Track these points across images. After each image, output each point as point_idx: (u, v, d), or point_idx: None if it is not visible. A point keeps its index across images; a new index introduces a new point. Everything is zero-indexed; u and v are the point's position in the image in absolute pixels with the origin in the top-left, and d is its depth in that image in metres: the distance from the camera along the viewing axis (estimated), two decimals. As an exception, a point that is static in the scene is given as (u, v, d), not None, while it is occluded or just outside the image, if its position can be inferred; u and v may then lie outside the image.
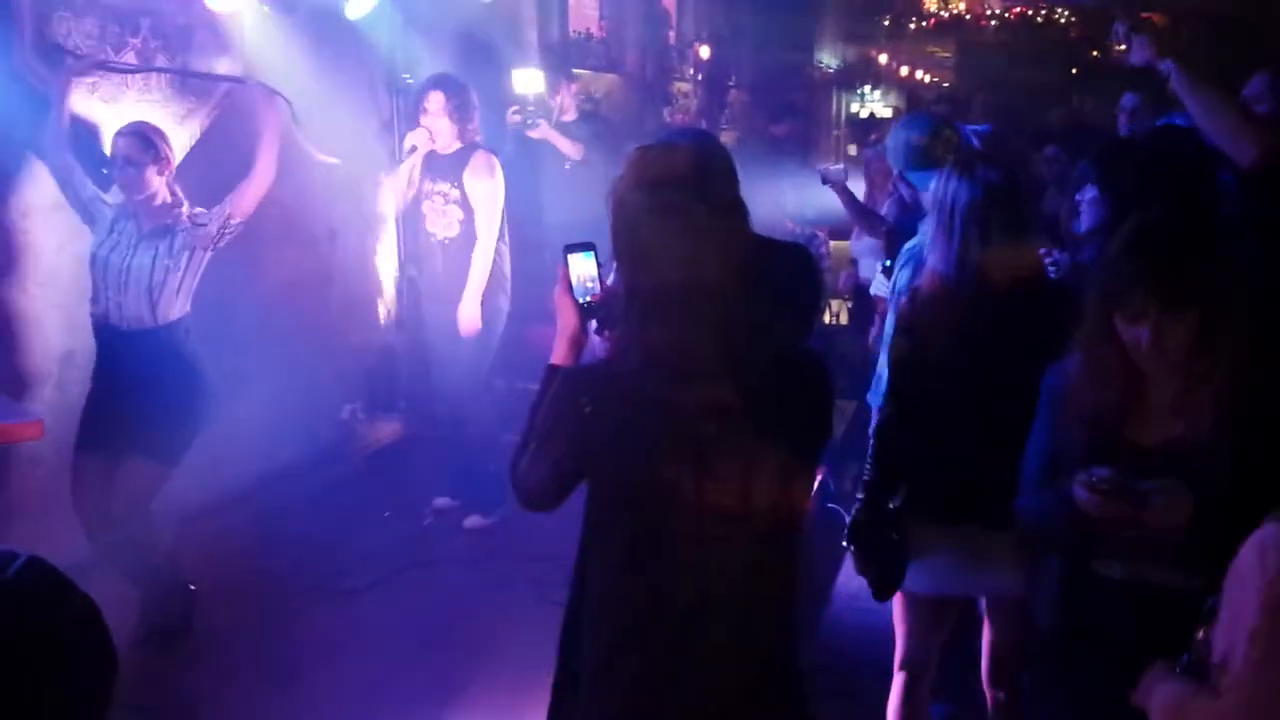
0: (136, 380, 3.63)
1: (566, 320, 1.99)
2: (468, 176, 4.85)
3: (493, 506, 4.92)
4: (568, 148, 6.20)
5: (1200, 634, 1.79)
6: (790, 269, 2.87)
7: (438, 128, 4.85)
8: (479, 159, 4.88)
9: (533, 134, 6.10)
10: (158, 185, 3.71)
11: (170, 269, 3.68)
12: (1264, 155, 2.80)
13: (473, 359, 4.99)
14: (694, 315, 1.74)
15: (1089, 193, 3.16)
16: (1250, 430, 2.02)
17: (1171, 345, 2.04)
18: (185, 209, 3.77)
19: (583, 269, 1.99)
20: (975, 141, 4.08)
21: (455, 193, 4.87)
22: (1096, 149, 3.43)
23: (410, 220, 5.32)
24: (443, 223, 4.91)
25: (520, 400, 1.99)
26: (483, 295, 4.87)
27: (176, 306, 3.73)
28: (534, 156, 6.28)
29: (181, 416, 3.69)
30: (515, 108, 6.15)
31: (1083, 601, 2.22)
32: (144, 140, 3.70)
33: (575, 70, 8.52)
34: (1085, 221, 3.19)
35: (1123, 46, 3.05)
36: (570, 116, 6.43)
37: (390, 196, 5.29)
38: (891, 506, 2.76)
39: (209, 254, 3.79)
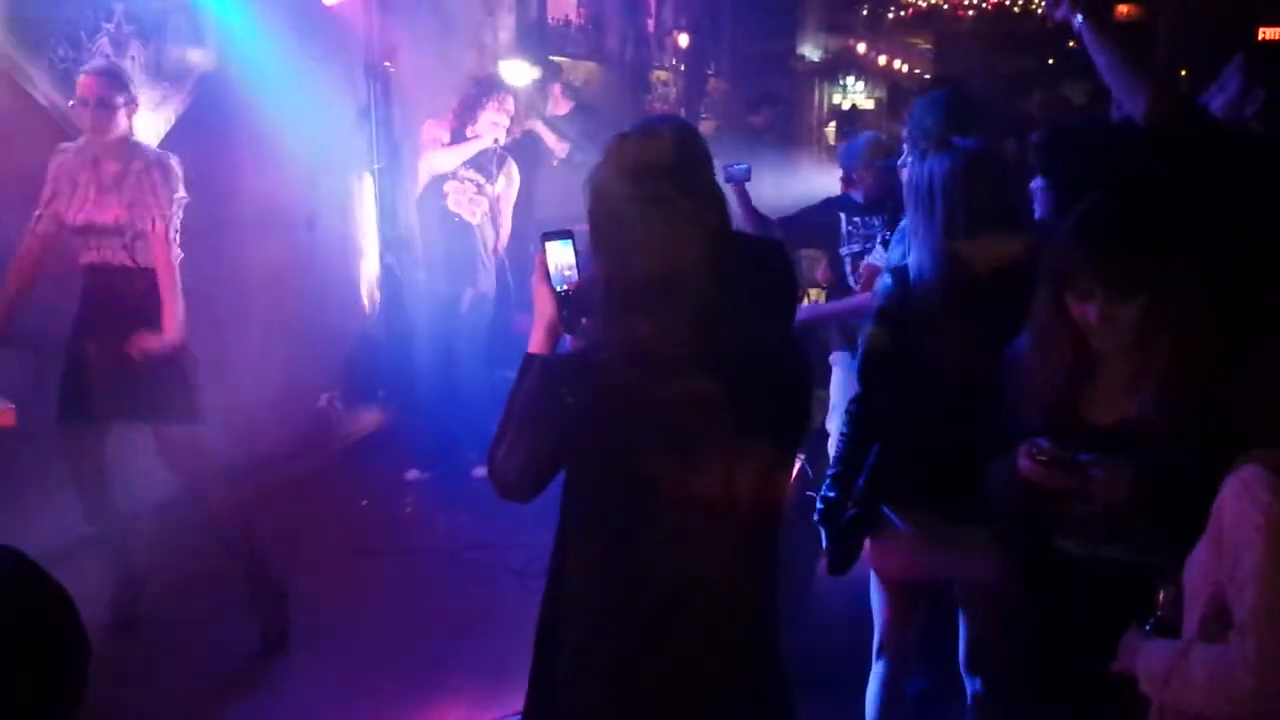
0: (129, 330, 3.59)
1: (543, 308, 1.98)
2: (502, 177, 5.37)
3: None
4: (554, 143, 6.22)
5: (1162, 596, 1.81)
6: (765, 261, 2.86)
7: (502, 124, 5.25)
8: (509, 163, 5.43)
9: (524, 127, 6.09)
10: (126, 127, 3.63)
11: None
12: (1152, 110, 2.86)
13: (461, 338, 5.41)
14: (672, 305, 1.73)
15: (1038, 181, 3.20)
16: (1198, 412, 2.00)
17: (1120, 326, 2.05)
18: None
19: (560, 257, 1.98)
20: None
21: (489, 186, 5.31)
22: (1039, 139, 3.48)
23: (430, 198, 5.42)
24: (470, 208, 5.27)
25: (502, 388, 1.97)
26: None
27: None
28: (530, 151, 6.26)
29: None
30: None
31: (1045, 579, 2.24)
32: (118, 80, 3.62)
33: (554, 57, 8.50)
34: (1038, 210, 3.21)
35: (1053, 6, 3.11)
36: (562, 110, 6.43)
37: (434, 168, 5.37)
38: (856, 485, 2.78)
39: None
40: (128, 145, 3.62)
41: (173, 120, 4.66)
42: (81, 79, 3.60)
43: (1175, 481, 1.98)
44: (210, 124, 4.70)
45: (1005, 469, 2.18)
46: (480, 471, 4.94)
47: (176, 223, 3.63)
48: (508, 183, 5.46)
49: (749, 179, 4.88)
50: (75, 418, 3.68)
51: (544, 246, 1.98)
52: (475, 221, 5.33)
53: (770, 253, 2.74)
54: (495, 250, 5.49)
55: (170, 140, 4.50)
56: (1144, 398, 2.06)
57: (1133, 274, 2.03)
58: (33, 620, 1.06)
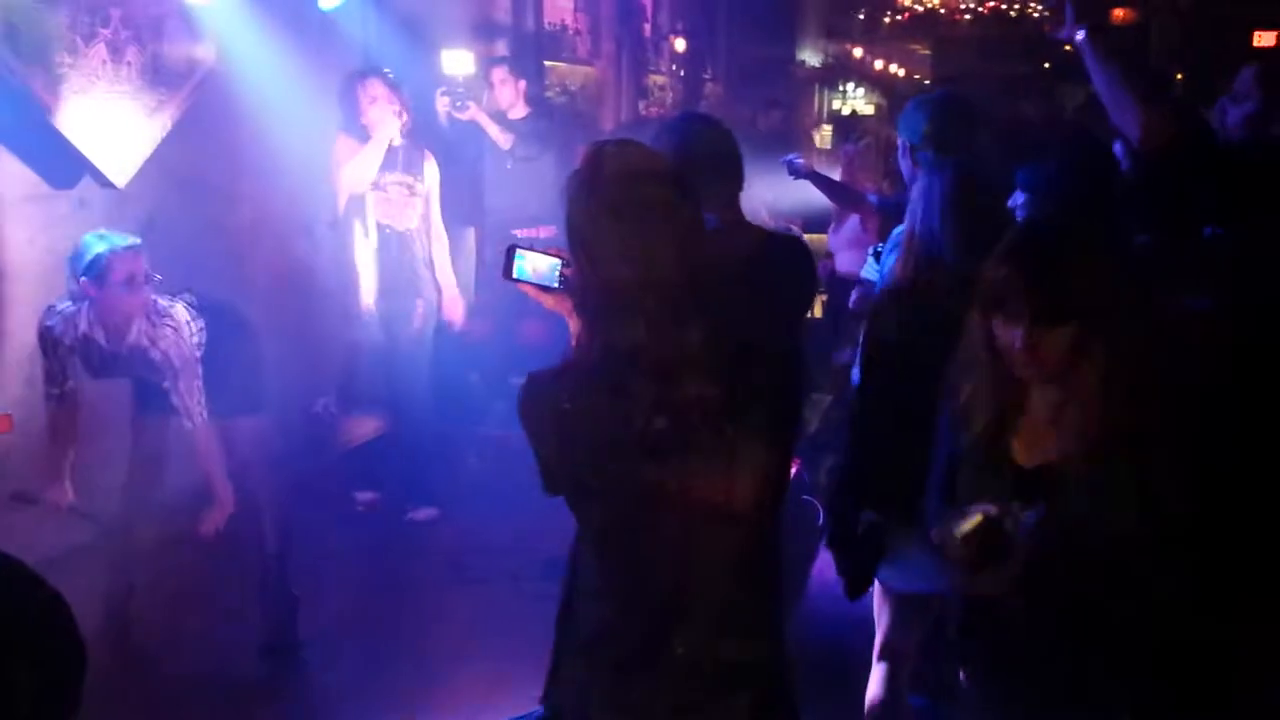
0: None
1: (562, 305, 1.96)
2: (427, 168, 5.00)
3: (428, 500, 5.01)
4: (497, 135, 6.04)
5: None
6: (788, 259, 2.86)
7: (386, 114, 4.85)
8: (426, 156, 5.03)
9: (462, 116, 5.94)
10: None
11: None
12: (1147, 136, 2.88)
13: (417, 354, 5.15)
14: (652, 309, 1.74)
15: (1019, 197, 3.18)
16: (1121, 455, 1.85)
17: (1046, 356, 1.91)
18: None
19: (537, 264, 1.96)
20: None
21: (418, 184, 4.95)
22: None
23: (350, 218, 5.00)
24: (402, 215, 4.92)
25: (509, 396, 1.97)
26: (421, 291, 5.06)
27: None
28: (475, 143, 6.17)
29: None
30: (443, 89, 6.02)
31: (979, 615, 2.16)
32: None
33: (550, 62, 8.48)
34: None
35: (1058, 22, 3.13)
36: (519, 113, 6.24)
37: (349, 185, 4.97)
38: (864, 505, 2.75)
39: None
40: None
41: (169, 125, 4.65)
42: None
43: (1076, 543, 1.86)
44: (207, 128, 4.70)
45: (938, 517, 2.06)
46: (420, 514, 4.97)
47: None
48: (432, 170, 5.06)
49: (810, 167, 5.05)
50: (141, 408, 3.74)
51: (517, 263, 1.95)
52: (413, 226, 4.97)
53: (793, 252, 2.76)
54: (429, 260, 5.10)
55: (167, 144, 4.50)
56: (1067, 437, 1.91)
57: (1061, 301, 1.88)
58: (29, 627, 1.06)
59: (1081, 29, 3.06)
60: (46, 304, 3.60)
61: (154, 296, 3.52)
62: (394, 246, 4.96)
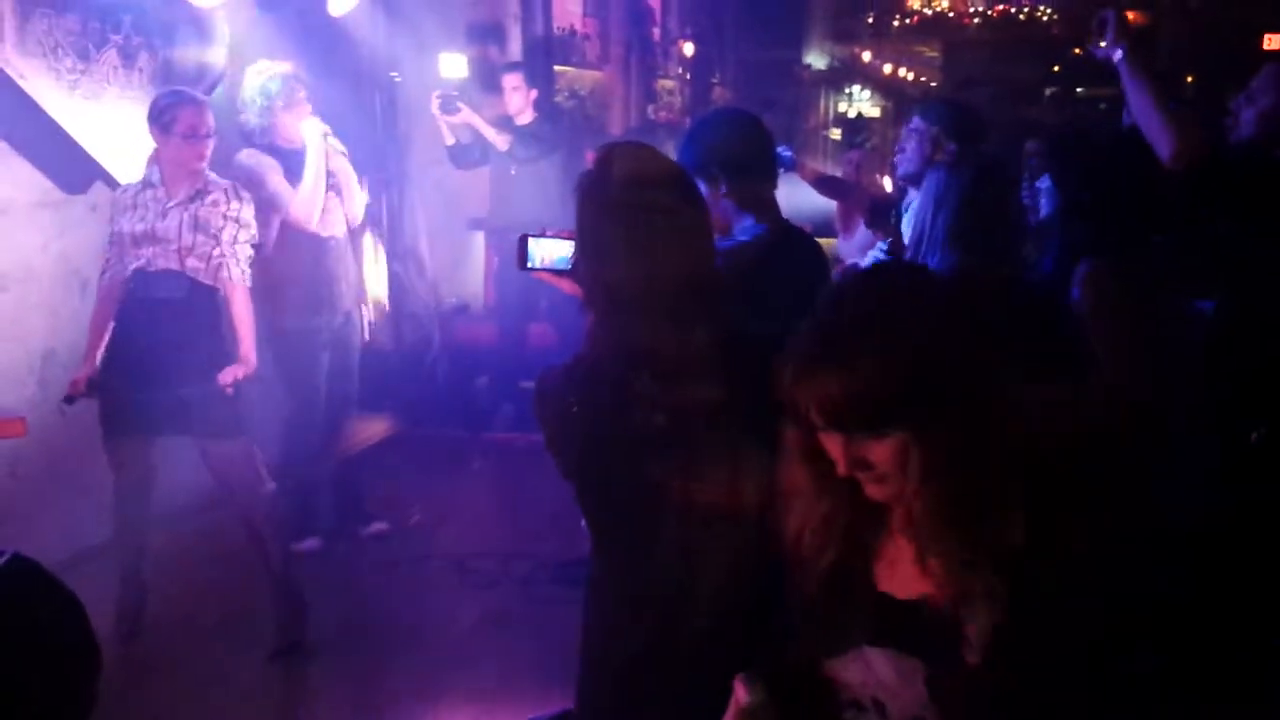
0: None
1: (570, 288, 1.99)
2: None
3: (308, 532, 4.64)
4: (494, 136, 6.03)
5: None
6: (809, 258, 2.82)
7: (295, 121, 4.36)
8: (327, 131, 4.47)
9: (453, 119, 5.92)
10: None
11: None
12: (1177, 156, 2.89)
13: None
14: (660, 309, 1.76)
15: (1044, 181, 3.19)
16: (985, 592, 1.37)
17: (877, 472, 1.41)
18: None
19: (551, 249, 2.01)
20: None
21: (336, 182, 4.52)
22: (1051, 140, 3.47)
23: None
24: (332, 220, 4.50)
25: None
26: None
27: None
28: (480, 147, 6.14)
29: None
30: (437, 93, 5.94)
31: None
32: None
33: (559, 67, 8.50)
34: (1043, 209, 3.22)
35: (1103, 43, 3.11)
36: (525, 120, 6.16)
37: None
38: None
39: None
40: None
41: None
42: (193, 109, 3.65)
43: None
44: (218, 133, 4.72)
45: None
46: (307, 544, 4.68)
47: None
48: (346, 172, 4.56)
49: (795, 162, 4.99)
50: (120, 430, 3.66)
51: (531, 250, 2.00)
52: (341, 233, 4.56)
53: (814, 251, 2.72)
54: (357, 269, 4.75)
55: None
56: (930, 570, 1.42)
57: (878, 403, 1.36)
58: (46, 629, 1.07)
59: (1120, 47, 3.02)
60: (57, 309, 3.64)
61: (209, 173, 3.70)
62: (330, 256, 4.52)
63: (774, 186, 2.66)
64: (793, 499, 1.52)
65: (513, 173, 6.08)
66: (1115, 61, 3.04)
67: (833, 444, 1.41)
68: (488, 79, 6.68)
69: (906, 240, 3.23)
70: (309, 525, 4.57)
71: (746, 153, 2.57)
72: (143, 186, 3.69)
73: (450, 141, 6.03)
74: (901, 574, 1.46)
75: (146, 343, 3.58)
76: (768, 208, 2.60)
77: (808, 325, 1.42)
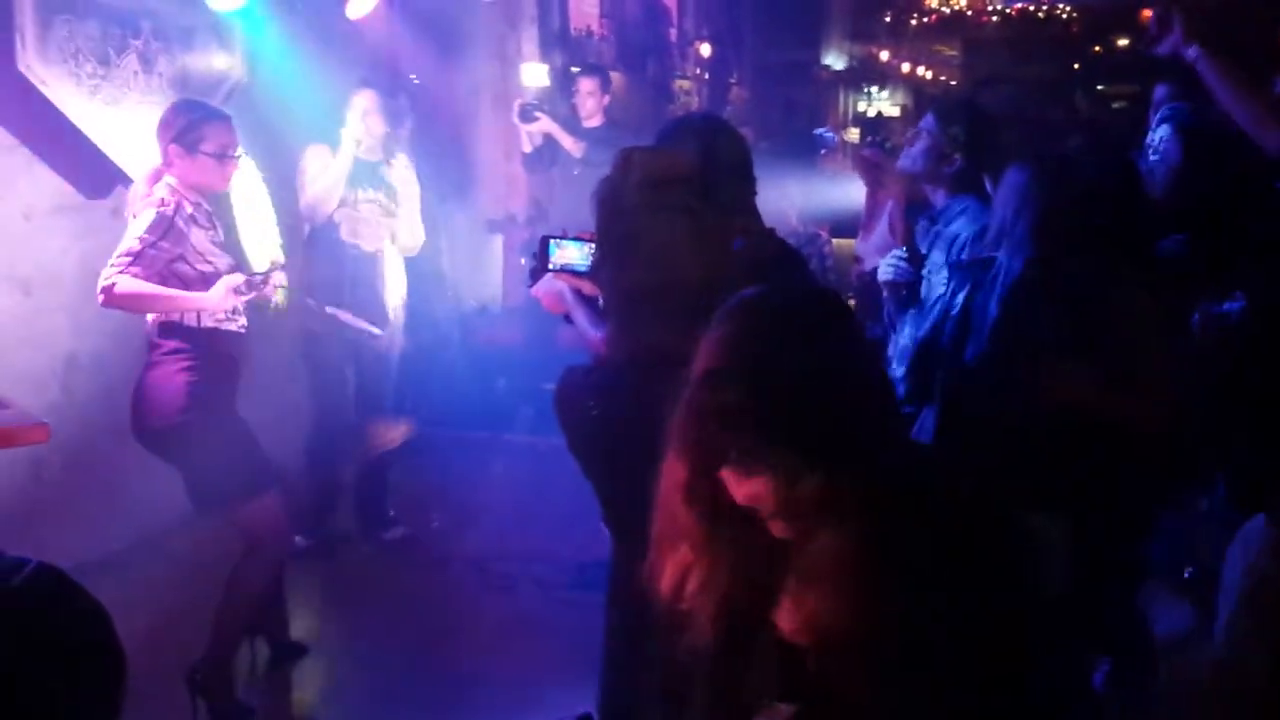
0: None
1: (591, 289, 2.01)
2: (400, 185, 4.65)
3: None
4: (570, 144, 6.10)
5: None
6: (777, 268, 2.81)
7: (358, 125, 4.46)
8: (402, 160, 4.68)
9: (531, 127, 5.99)
10: None
11: None
12: None
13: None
14: (678, 312, 1.75)
15: (1163, 129, 3.06)
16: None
17: (781, 511, 1.35)
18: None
19: (572, 251, 2.03)
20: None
21: (390, 203, 4.59)
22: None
23: (322, 233, 4.53)
24: (372, 234, 4.54)
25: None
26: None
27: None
28: (549, 156, 6.18)
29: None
30: (518, 101, 6.12)
31: None
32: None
33: (576, 68, 8.52)
34: (1164, 164, 3.13)
35: (1153, 37, 2.96)
36: (594, 123, 6.24)
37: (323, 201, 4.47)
38: None
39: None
40: None
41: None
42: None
43: None
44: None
45: None
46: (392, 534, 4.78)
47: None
48: (408, 186, 4.67)
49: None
50: None
51: (552, 252, 2.03)
52: (383, 247, 4.59)
53: (794, 259, 2.72)
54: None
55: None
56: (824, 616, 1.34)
57: (802, 435, 1.32)
58: (70, 638, 1.07)
59: (1193, 46, 2.78)
60: (78, 313, 3.64)
61: None
62: (364, 268, 4.57)
63: (753, 192, 2.58)
64: (666, 545, 1.43)
65: (576, 173, 6.11)
66: (1191, 61, 2.82)
67: (727, 475, 1.33)
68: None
69: (964, 239, 3.17)
70: (307, 525, 4.58)
71: (725, 159, 2.44)
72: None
73: (528, 149, 6.10)
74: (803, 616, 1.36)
75: None
76: (748, 212, 2.51)
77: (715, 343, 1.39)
